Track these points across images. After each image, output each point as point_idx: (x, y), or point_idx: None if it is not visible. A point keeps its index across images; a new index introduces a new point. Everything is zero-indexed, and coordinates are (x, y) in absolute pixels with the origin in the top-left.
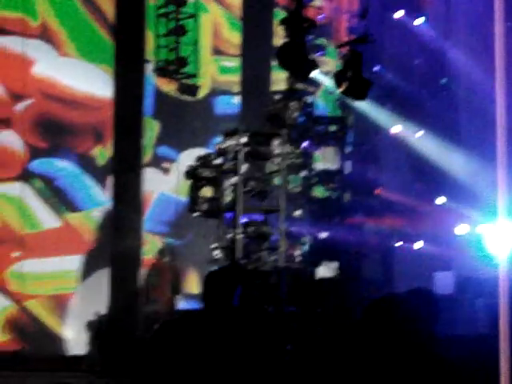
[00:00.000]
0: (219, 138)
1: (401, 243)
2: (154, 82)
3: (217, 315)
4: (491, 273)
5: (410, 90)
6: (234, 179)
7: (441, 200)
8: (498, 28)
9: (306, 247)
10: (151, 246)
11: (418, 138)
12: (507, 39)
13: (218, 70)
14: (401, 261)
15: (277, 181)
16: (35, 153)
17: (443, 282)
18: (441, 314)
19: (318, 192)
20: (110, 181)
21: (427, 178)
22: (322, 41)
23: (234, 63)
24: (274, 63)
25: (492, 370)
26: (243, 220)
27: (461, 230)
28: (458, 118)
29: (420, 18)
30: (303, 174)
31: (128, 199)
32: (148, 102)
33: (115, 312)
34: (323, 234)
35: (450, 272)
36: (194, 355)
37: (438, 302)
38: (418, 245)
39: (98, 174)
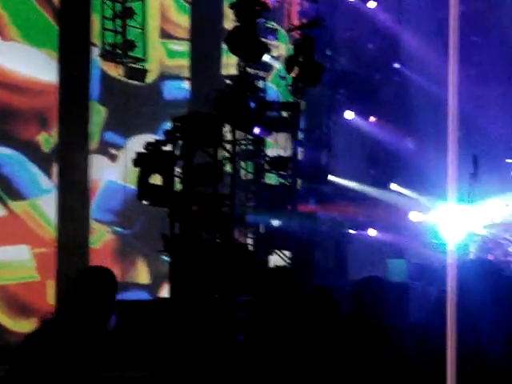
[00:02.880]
0: (168, 124)
1: (354, 231)
2: (101, 66)
3: None
4: (444, 260)
5: (362, 74)
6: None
7: (394, 187)
8: (453, 11)
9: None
10: (98, 235)
11: (371, 124)
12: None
13: (166, 54)
14: (354, 248)
15: (228, 168)
16: None
17: (396, 270)
18: (393, 301)
19: (271, 179)
20: (55, 168)
21: (380, 165)
22: (273, 25)
23: (183, 47)
24: (225, 47)
25: (440, 357)
26: (194, 208)
27: (414, 217)
28: (410, 104)
29: (373, 2)
30: (255, 160)
31: (74, 187)
32: (94, 87)
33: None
34: (275, 222)
35: (403, 259)
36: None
37: (389, 289)
38: (372, 232)
39: (43, 161)
